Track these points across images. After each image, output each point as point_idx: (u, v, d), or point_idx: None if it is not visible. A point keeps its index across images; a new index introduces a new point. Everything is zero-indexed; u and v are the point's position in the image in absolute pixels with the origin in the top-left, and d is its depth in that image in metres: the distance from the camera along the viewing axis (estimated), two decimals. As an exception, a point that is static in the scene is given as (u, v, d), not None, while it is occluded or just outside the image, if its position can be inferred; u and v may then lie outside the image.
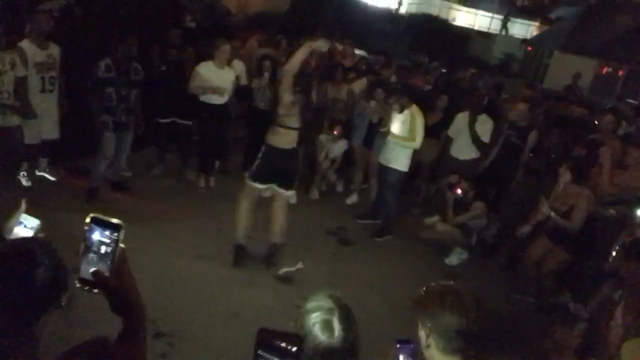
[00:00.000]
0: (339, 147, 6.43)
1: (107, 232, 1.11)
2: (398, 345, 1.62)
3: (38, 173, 5.47)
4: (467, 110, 6.04)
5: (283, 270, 4.55)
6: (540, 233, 5.01)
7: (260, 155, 4.49)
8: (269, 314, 3.80)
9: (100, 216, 1.11)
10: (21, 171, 5.25)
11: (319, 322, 1.59)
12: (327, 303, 1.64)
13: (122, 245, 1.12)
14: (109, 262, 1.10)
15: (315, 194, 6.45)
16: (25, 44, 4.84)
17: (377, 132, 5.85)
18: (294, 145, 4.47)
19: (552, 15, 24.05)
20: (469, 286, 1.75)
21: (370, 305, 4.35)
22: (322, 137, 6.40)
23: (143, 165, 6.19)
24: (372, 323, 3.23)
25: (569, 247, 4.77)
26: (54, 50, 5.05)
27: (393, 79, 7.05)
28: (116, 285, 1.12)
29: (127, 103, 5.14)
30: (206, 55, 5.82)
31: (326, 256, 5.16)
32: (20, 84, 4.75)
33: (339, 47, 8.15)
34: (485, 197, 5.67)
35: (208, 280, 4.35)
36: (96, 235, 1.10)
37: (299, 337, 1.13)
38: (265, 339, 1.08)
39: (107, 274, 1.10)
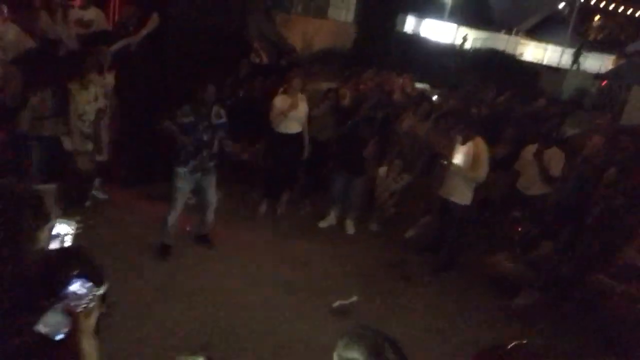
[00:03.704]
0: (400, 181, 6.30)
1: (87, 286, 1.04)
2: None
3: (93, 192, 5.63)
4: (536, 142, 5.76)
5: (337, 303, 4.42)
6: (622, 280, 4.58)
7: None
8: (319, 346, 3.68)
9: (88, 267, 1.06)
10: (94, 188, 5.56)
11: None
12: (372, 337, 1.51)
13: (94, 302, 1.04)
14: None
15: (374, 226, 6.31)
16: None
17: (439, 164, 5.69)
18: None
19: (629, 49, 22.95)
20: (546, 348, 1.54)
21: (429, 346, 4.12)
22: (381, 171, 6.30)
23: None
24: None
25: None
26: (109, 79, 5.42)
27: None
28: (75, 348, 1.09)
29: (209, 149, 4.68)
30: (275, 89, 6.00)
31: (383, 290, 4.96)
32: (99, 115, 5.18)
33: (399, 80, 8.17)
34: (556, 235, 5.29)
35: (262, 309, 4.30)
36: (75, 287, 1.02)
37: None
38: None
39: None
